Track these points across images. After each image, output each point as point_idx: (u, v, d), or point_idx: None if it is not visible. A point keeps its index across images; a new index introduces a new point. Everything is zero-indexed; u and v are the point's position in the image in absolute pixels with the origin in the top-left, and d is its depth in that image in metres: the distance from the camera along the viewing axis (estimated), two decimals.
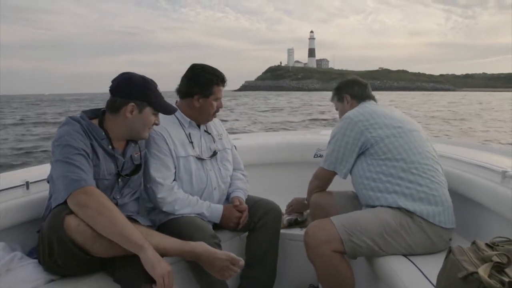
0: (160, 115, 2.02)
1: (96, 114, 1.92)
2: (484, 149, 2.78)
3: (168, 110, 2.00)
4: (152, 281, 1.59)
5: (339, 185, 2.35)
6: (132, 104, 1.85)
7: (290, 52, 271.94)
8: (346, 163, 2.17)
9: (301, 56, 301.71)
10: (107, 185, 1.88)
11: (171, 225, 2.12)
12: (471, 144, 3.12)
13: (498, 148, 2.94)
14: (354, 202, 2.28)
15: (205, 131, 2.41)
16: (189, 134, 2.32)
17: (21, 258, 1.78)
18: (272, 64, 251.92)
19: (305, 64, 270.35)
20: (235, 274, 1.82)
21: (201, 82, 2.24)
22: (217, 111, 2.33)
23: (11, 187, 1.99)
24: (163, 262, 1.61)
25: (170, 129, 2.24)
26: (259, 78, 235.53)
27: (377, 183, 2.05)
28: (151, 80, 1.94)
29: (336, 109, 2.54)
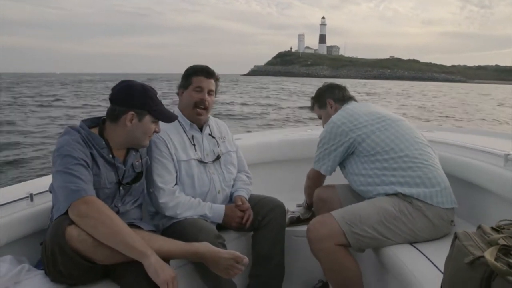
0: None
1: (96, 122, 1.93)
2: (486, 134, 2.80)
3: (168, 118, 1.99)
4: (156, 287, 1.60)
5: (343, 178, 2.37)
6: (132, 112, 1.86)
7: (301, 37, 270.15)
8: (331, 163, 2.25)
9: (312, 42, 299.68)
10: (108, 194, 1.89)
11: (175, 229, 2.12)
12: (472, 129, 3.16)
13: (500, 133, 2.93)
14: (357, 193, 2.29)
15: (209, 134, 2.41)
16: (192, 136, 2.31)
17: (29, 270, 1.80)
18: (282, 50, 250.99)
19: (315, 50, 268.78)
20: (240, 272, 1.83)
21: (183, 76, 2.33)
22: (202, 103, 2.28)
23: (15, 200, 1.99)
24: (167, 268, 1.63)
25: (171, 133, 2.24)
26: (268, 63, 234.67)
27: (373, 178, 2.10)
28: (151, 88, 1.94)
29: (320, 117, 2.59)
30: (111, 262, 1.66)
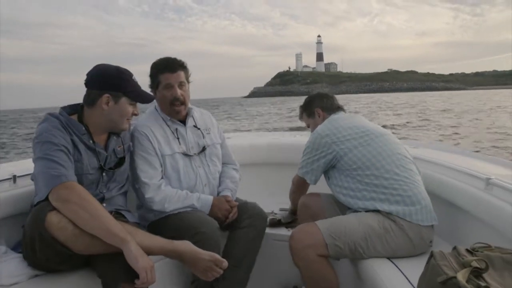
0: (145, 113, 2.04)
1: (76, 109, 1.90)
2: (469, 156, 2.82)
3: (144, 99, 1.95)
4: (132, 280, 1.59)
5: (327, 187, 2.37)
6: (107, 95, 1.83)
7: (299, 57, 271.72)
8: (315, 172, 2.26)
9: (309, 61, 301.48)
10: (91, 180, 1.88)
11: (168, 222, 2.13)
12: (456, 150, 3.17)
13: (483, 156, 2.99)
14: (341, 204, 2.30)
15: (194, 126, 2.37)
16: (176, 130, 2.29)
17: (6, 252, 1.77)
18: (281, 70, 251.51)
19: (313, 68, 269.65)
20: (218, 275, 1.82)
21: (149, 75, 2.25)
22: (177, 100, 2.22)
23: None
24: (146, 257, 1.61)
25: (153, 128, 2.22)
26: (268, 84, 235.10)
27: (355, 192, 2.11)
28: (126, 70, 1.90)
29: (308, 126, 2.60)
30: (90, 252, 1.64)
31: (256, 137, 4.03)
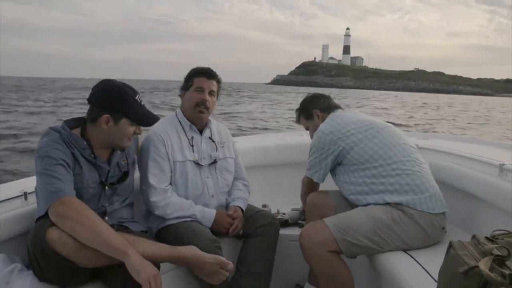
0: (165, 118, 2.05)
1: (79, 123, 1.90)
2: (481, 143, 2.81)
3: (146, 121, 1.93)
4: None
5: (334, 184, 2.37)
6: (107, 115, 1.82)
7: (325, 48, 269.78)
8: (323, 171, 2.25)
9: (335, 53, 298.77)
10: (93, 194, 1.88)
11: (170, 231, 2.14)
12: (467, 138, 3.17)
13: (495, 142, 2.93)
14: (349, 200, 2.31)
15: (209, 138, 2.41)
16: (192, 138, 2.33)
17: (21, 269, 1.78)
18: (304, 59, 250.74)
19: (339, 61, 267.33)
20: (224, 278, 1.83)
21: (185, 78, 2.35)
22: (203, 104, 2.28)
23: (9, 198, 1.98)
24: (148, 266, 1.59)
25: (170, 132, 2.27)
26: (292, 73, 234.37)
27: (362, 187, 2.10)
28: (130, 89, 1.87)
29: (307, 129, 2.58)
30: (95, 265, 1.64)
31: (262, 139, 4.06)
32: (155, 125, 2.23)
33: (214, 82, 2.33)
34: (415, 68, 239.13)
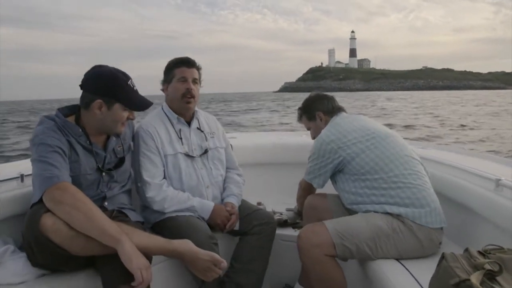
0: (152, 112, 2.03)
1: (73, 110, 1.88)
2: (479, 157, 2.79)
3: (139, 106, 1.89)
4: (131, 281, 1.55)
5: (333, 188, 2.34)
6: (99, 101, 1.79)
7: (331, 52, 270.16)
8: (322, 177, 2.21)
9: (342, 57, 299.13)
10: (91, 180, 1.87)
11: (167, 224, 2.13)
12: (466, 151, 3.14)
13: (492, 156, 2.90)
14: None
15: (197, 128, 2.38)
16: (180, 130, 2.30)
17: (14, 251, 1.77)
18: (312, 65, 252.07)
19: (346, 64, 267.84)
20: (217, 275, 1.80)
21: (164, 71, 2.31)
22: (188, 93, 2.25)
23: (5, 179, 1.97)
24: (141, 257, 1.57)
25: (158, 127, 2.25)
26: (300, 79, 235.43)
27: (363, 197, 2.07)
28: (123, 74, 1.84)
29: (308, 129, 2.53)
30: (87, 253, 1.61)
31: (261, 137, 4.00)
32: (142, 121, 2.24)
33: (195, 70, 2.30)
34: (423, 67, 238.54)
